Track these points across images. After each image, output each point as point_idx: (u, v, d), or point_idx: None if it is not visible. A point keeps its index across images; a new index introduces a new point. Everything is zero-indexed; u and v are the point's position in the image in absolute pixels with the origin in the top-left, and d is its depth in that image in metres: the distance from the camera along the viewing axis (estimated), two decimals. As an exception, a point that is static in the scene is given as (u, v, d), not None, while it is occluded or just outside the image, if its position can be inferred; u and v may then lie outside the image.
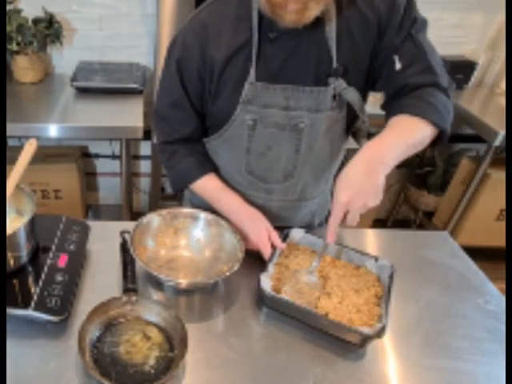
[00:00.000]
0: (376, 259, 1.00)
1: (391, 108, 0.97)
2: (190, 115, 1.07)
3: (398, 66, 0.94)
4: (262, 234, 1.02)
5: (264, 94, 0.98)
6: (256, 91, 0.98)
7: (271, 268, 0.98)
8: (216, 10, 0.98)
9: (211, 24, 0.97)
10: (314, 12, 0.86)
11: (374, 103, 2.05)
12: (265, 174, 1.10)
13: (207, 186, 1.12)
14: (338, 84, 0.96)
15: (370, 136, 1.18)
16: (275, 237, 1.02)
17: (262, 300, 0.96)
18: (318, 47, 0.95)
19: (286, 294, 0.92)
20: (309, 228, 1.24)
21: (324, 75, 0.96)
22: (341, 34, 0.94)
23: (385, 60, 0.96)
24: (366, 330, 0.84)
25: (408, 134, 0.90)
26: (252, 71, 0.96)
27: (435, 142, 0.96)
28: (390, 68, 0.96)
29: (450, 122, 0.94)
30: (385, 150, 0.87)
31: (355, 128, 1.13)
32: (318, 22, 0.92)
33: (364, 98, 1.04)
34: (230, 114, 1.02)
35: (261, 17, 0.93)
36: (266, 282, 0.93)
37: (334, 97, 0.98)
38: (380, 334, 0.83)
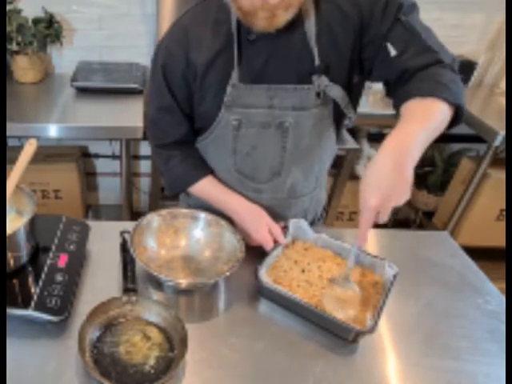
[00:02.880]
0: (383, 261, 0.99)
1: (398, 95, 0.94)
2: (179, 119, 1.08)
3: (392, 52, 0.93)
4: (262, 230, 1.03)
5: (247, 95, 0.99)
6: (239, 93, 0.98)
7: (272, 260, 0.99)
8: (197, 15, 0.99)
9: (192, 28, 0.98)
10: (282, 18, 0.87)
11: (374, 103, 2.06)
12: (253, 172, 1.11)
13: (205, 188, 1.13)
14: (321, 81, 0.97)
15: (370, 136, 1.18)
16: (277, 232, 1.03)
17: (258, 291, 0.97)
18: (299, 46, 0.95)
19: (329, 306, 0.90)
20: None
21: (307, 73, 0.97)
22: (321, 31, 0.94)
23: (376, 50, 0.95)
24: (357, 327, 0.85)
25: (427, 119, 0.86)
26: (234, 73, 0.97)
27: (453, 122, 0.92)
28: (384, 56, 0.94)
29: (463, 97, 0.91)
30: (409, 142, 0.81)
31: (356, 128, 1.13)
32: (297, 21, 0.92)
33: (350, 93, 1.02)
34: (215, 115, 1.03)
35: (239, 20, 0.93)
36: (263, 272, 0.94)
37: (318, 94, 0.98)
38: (372, 329, 0.83)
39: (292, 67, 0.97)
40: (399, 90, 0.94)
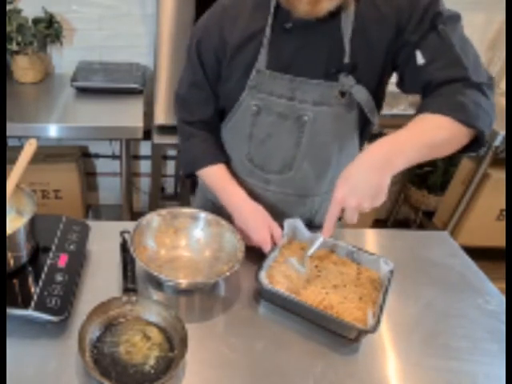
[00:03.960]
0: (378, 258, 1.00)
1: (418, 109, 0.90)
2: (208, 96, 1.10)
3: (420, 60, 0.89)
4: (263, 230, 1.03)
5: (271, 83, 0.99)
6: (263, 78, 0.99)
7: (270, 261, 0.99)
8: None
9: (230, 9, 1.00)
10: (325, 5, 0.86)
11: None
12: (264, 162, 1.11)
13: (216, 174, 1.13)
14: (348, 80, 0.96)
15: (372, 138, 1.18)
16: (277, 234, 1.03)
17: (259, 293, 0.97)
18: (332, 42, 0.94)
19: (275, 279, 0.94)
20: (308, 225, 1.24)
21: (334, 70, 0.96)
22: (356, 30, 0.93)
23: (407, 57, 0.92)
24: (360, 326, 0.85)
25: (425, 134, 0.84)
26: (261, 58, 0.98)
27: (473, 146, 0.88)
28: (413, 65, 0.91)
29: (488, 122, 0.87)
30: (395, 150, 0.82)
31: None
32: (335, 17, 0.91)
33: (378, 99, 1.01)
34: (237, 97, 1.04)
35: (278, 6, 0.94)
36: (263, 274, 0.94)
37: (343, 94, 0.97)
38: (375, 328, 0.83)
39: (321, 62, 0.96)
40: (421, 104, 0.91)
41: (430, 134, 0.84)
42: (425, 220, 2.63)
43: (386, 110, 2.03)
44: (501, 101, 2.26)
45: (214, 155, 1.14)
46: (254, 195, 1.15)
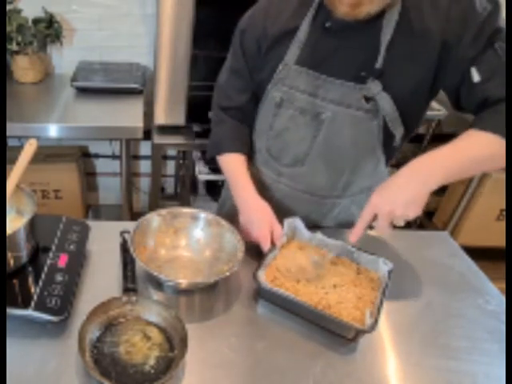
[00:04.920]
0: (378, 258, 1.00)
1: (471, 123, 0.89)
2: (247, 84, 1.13)
3: (476, 78, 0.87)
4: (264, 228, 1.03)
5: (296, 77, 1.01)
6: (289, 72, 1.01)
7: (269, 260, 0.99)
8: None
9: (277, 2, 1.03)
10: (365, 8, 0.86)
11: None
12: (279, 154, 1.13)
13: (232, 163, 1.15)
14: (374, 86, 0.94)
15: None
16: (278, 233, 1.03)
17: (258, 292, 0.97)
18: (368, 46, 0.93)
19: (290, 270, 0.96)
20: (311, 225, 1.23)
21: (364, 74, 0.95)
22: (395, 37, 0.91)
23: (463, 74, 0.89)
24: (357, 325, 0.85)
25: (469, 149, 0.86)
26: (291, 53, 1.00)
27: None
28: (469, 82, 0.88)
29: None
30: (436, 165, 0.86)
31: None
32: (376, 20, 0.90)
33: (407, 116, 0.99)
34: (265, 89, 1.07)
35: (321, 5, 0.95)
36: (263, 273, 0.94)
37: (368, 99, 0.96)
38: (372, 328, 0.83)
39: (353, 64, 0.96)
40: (475, 119, 0.90)
41: (473, 149, 0.87)
42: (425, 220, 2.63)
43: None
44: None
45: (237, 144, 1.16)
46: (265, 185, 1.18)
